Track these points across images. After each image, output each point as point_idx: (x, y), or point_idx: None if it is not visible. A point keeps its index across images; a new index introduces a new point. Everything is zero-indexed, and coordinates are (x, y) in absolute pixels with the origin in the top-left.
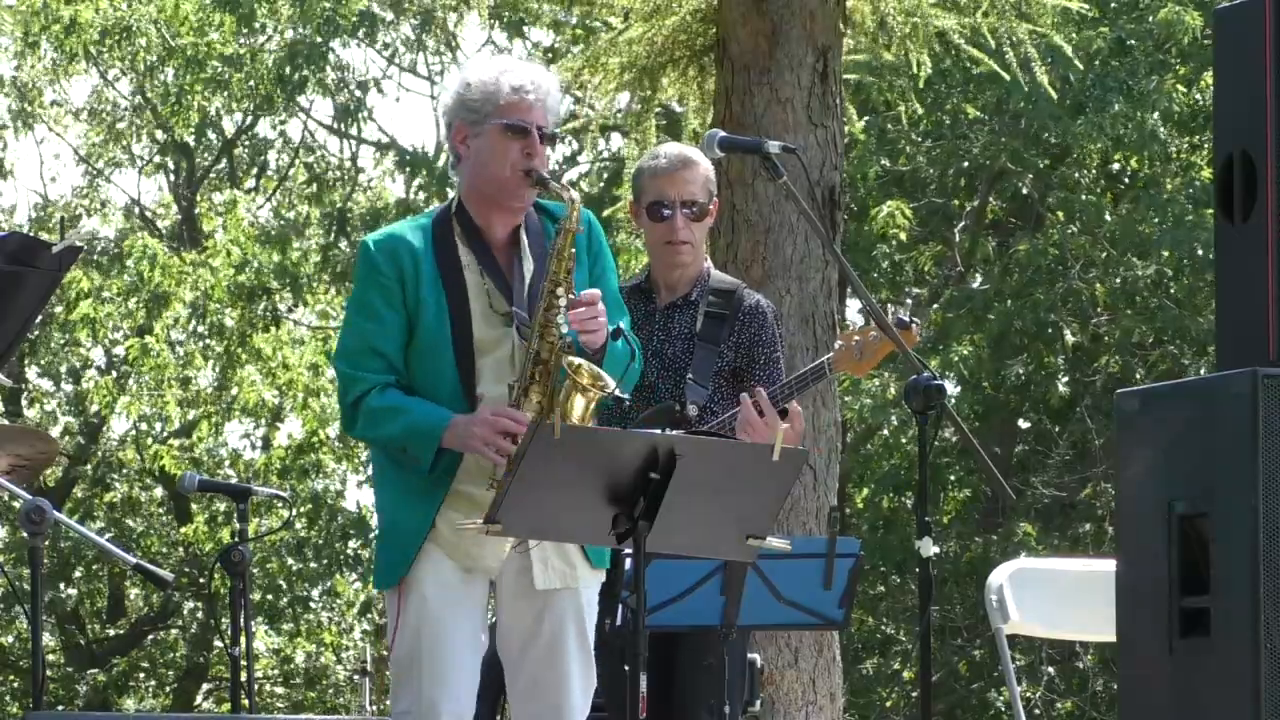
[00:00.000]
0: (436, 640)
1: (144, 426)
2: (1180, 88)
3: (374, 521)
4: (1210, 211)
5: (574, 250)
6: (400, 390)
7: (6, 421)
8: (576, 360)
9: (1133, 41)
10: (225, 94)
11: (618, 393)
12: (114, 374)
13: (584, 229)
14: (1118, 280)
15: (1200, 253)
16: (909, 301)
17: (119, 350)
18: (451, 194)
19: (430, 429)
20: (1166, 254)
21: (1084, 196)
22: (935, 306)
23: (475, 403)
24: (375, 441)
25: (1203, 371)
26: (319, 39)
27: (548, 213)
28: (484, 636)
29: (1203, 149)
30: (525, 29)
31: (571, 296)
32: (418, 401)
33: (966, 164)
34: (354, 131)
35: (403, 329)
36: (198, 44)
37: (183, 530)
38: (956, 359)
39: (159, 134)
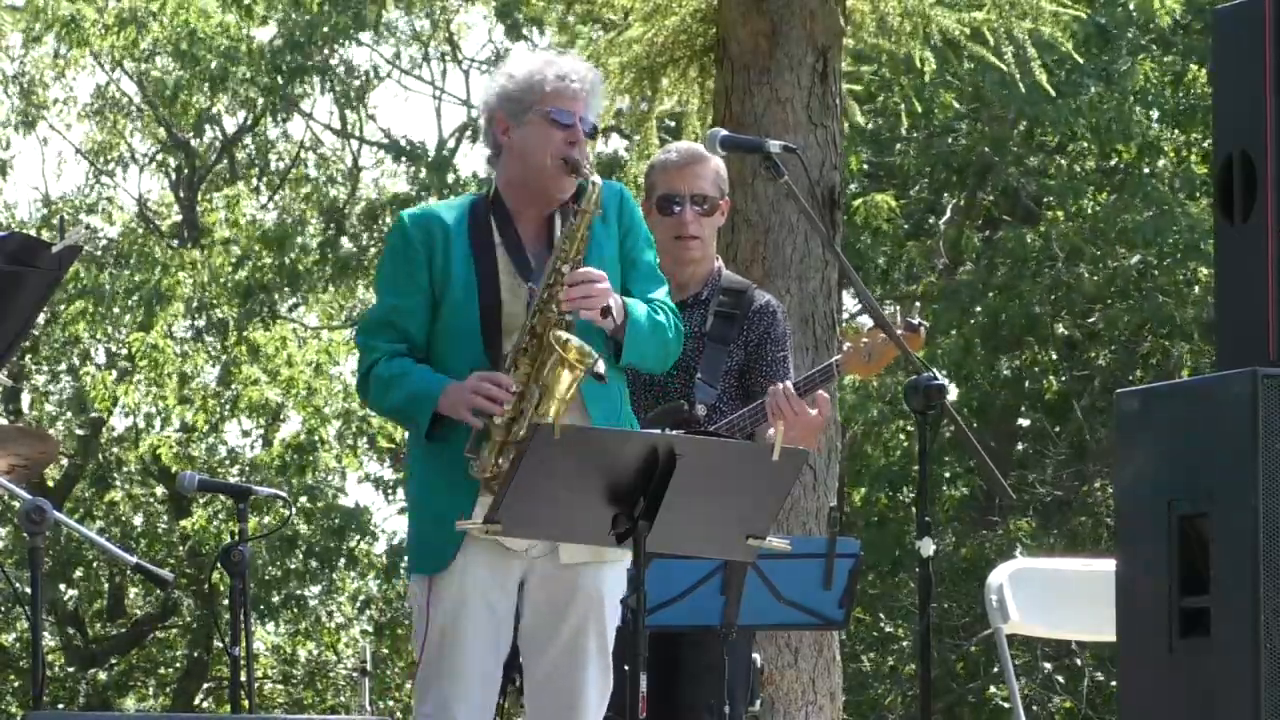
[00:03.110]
0: (456, 645)
1: (143, 424)
2: (1151, 65)
3: (372, 519)
4: (1195, 200)
5: (588, 232)
6: (410, 359)
7: (5, 421)
8: (564, 335)
9: (1114, 29)
10: (224, 87)
11: (599, 369)
12: (114, 372)
13: (601, 211)
14: (1106, 272)
15: (1180, 237)
16: (917, 305)
17: (120, 346)
18: (483, 187)
19: (427, 393)
20: (1149, 246)
21: (1076, 172)
22: (918, 305)
23: None
24: (383, 411)
25: (1191, 359)
26: (324, 30)
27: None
28: (508, 637)
29: (1193, 141)
30: (525, 31)
31: (573, 271)
32: (421, 370)
33: (952, 156)
34: (356, 128)
35: (425, 304)
36: (195, 28)
37: (182, 524)
38: (940, 352)
39: (160, 132)
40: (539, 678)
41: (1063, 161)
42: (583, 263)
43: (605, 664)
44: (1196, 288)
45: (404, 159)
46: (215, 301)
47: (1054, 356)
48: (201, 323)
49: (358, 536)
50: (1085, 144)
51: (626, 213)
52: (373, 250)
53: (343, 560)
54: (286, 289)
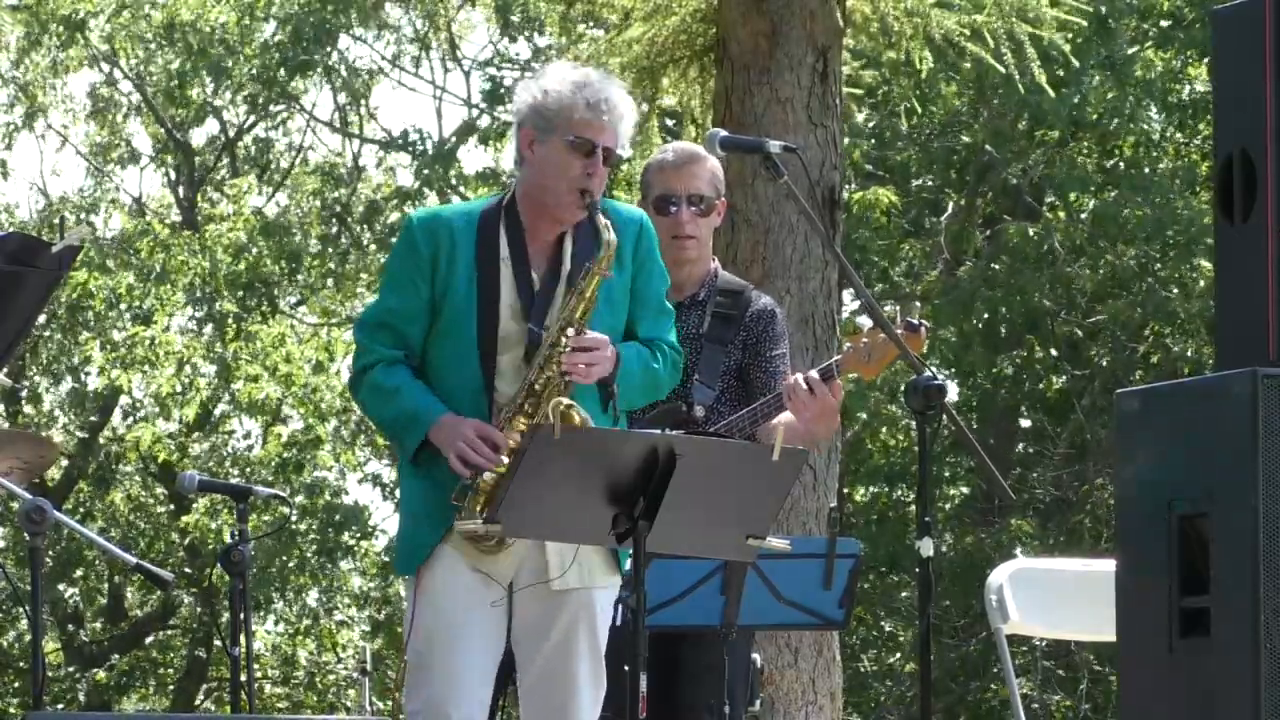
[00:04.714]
0: (448, 642)
1: (142, 418)
2: (1156, 53)
3: (372, 519)
4: (1196, 194)
5: (596, 294)
6: (407, 369)
7: (6, 424)
8: (566, 401)
9: (1111, 21)
10: (226, 80)
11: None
12: (114, 369)
13: (612, 275)
14: (1106, 268)
15: (1180, 232)
16: (917, 304)
17: (121, 345)
18: (506, 189)
19: (420, 419)
20: (1150, 241)
21: (1079, 164)
22: (917, 305)
23: (493, 390)
24: (373, 419)
25: (1194, 350)
26: (326, 17)
27: (607, 214)
28: (502, 637)
29: (1192, 135)
30: (526, 34)
31: (577, 337)
32: (420, 387)
33: (953, 154)
34: (356, 126)
35: (424, 309)
36: (198, 25)
37: (183, 520)
38: (942, 347)
39: (159, 131)
40: (531, 681)
41: (1065, 153)
42: (591, 311)
43: (597, 667)
44: (1202, 281)
45: (408, 148)
46: (216, 290)
47: (1054, 353)
48: (202, 313)
49: (357, 534)
50: (1086, 144)
51: (644, 246)
52: (373, 248)
53: (345, 561)
54: (286, 282)
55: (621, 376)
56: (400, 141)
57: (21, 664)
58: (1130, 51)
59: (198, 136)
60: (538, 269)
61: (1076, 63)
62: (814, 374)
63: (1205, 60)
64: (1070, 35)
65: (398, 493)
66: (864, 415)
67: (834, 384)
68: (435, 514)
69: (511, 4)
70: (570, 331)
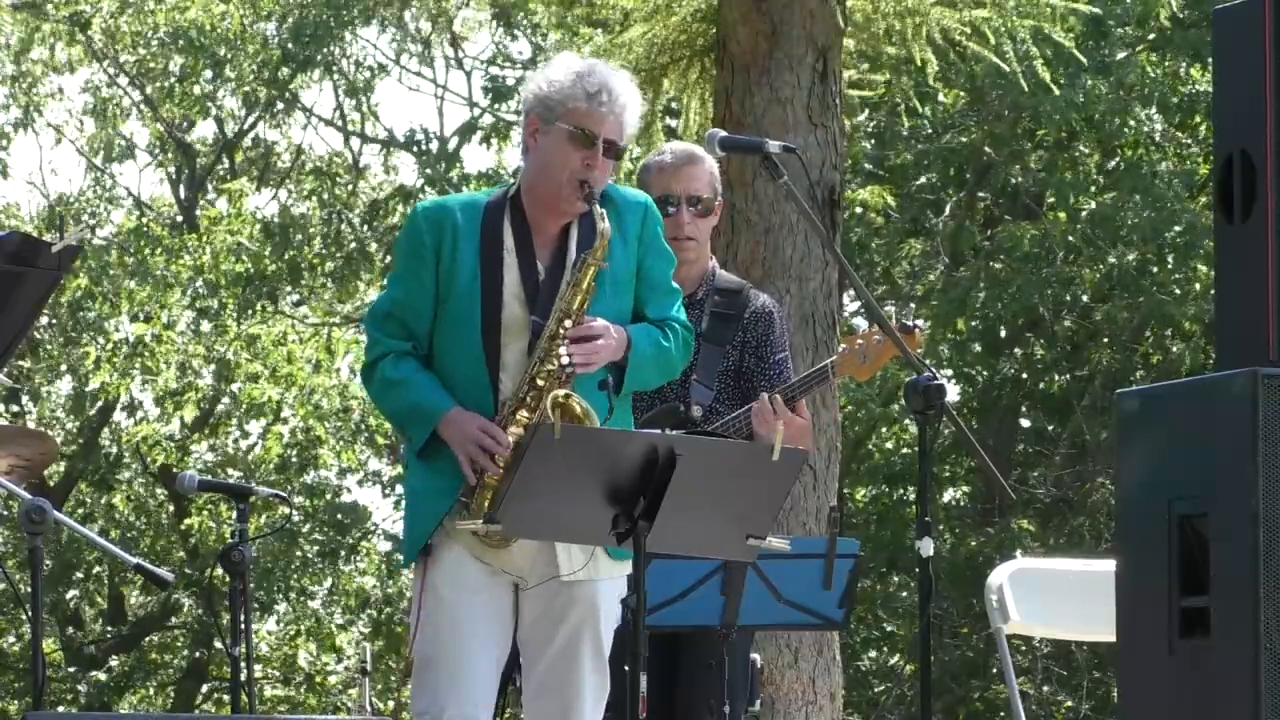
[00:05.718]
0: (454, 640)
1: (140, 418)
2: (1147, 58)
3: (372, 517)
4: (1195, 199)
5: (594, 285)
6: (415, 360)
7: (6, 422)
8: (563, 393)
9: (1110, 22)
10: (228, 73)
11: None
12: (115, 365)
13: (608, 266)
14: (1102, 268)
15: (1179, 236)
16: (912, 305)
17: (119, 345)
18: (511, 181)
19: (429, 413)
20: (1147, 244)
21: (1078, 161)
22: (913, 306)
23: (498, 382)
24: (382, 411)
25: (1190, 358)
26: (327, 15)
27: (611, 200)
28: (508, 636)
29: (1194, 135)
30: (528, 31)
31: (575, 327)
32: (427, 381)
33: (952, 155)
34: (356, 123)
35: (430, 299)
36: (200, 24)
37: (185, 523)
38: (940, 345)
39: (158, 128)
40: (535, 682)
41: (1063, 155)
42: (589, 302)
43: (601, 668)
44: (1197, 285)
45: (413, 148)
46: (217, 285)
47: (1055, 352)
48: (204, 305)
49: (359, 535)
50: (1084, 147)
51: (649, 228)
52: (374, 246)
53: (348, 561)
54: (287, 285)
55: (633, 358)
56: (406, 140)
57: (21, 665)
58: (1122, 56)
59: (197, 136)
60: (542, 260)
61: (1081, 57)
62: (777, 397)
63: (1204, 61)
64: (1070, 25)
65: (398, 489)
66: (863, 414)
67: (799, 405)
68: (439, 506)
69: (512, 6)
70: (568, 323)
